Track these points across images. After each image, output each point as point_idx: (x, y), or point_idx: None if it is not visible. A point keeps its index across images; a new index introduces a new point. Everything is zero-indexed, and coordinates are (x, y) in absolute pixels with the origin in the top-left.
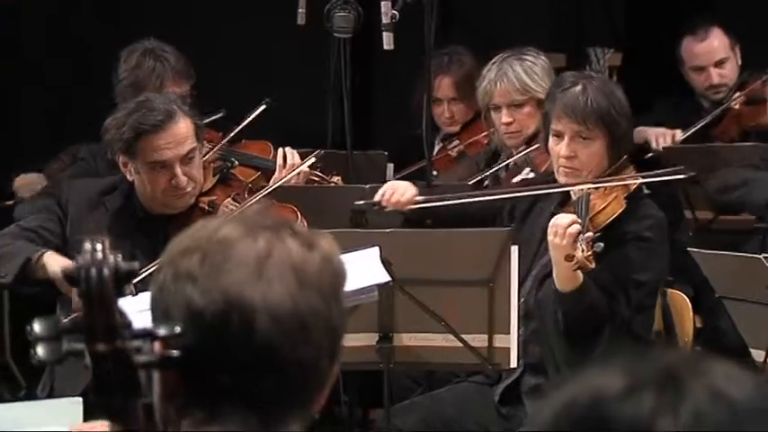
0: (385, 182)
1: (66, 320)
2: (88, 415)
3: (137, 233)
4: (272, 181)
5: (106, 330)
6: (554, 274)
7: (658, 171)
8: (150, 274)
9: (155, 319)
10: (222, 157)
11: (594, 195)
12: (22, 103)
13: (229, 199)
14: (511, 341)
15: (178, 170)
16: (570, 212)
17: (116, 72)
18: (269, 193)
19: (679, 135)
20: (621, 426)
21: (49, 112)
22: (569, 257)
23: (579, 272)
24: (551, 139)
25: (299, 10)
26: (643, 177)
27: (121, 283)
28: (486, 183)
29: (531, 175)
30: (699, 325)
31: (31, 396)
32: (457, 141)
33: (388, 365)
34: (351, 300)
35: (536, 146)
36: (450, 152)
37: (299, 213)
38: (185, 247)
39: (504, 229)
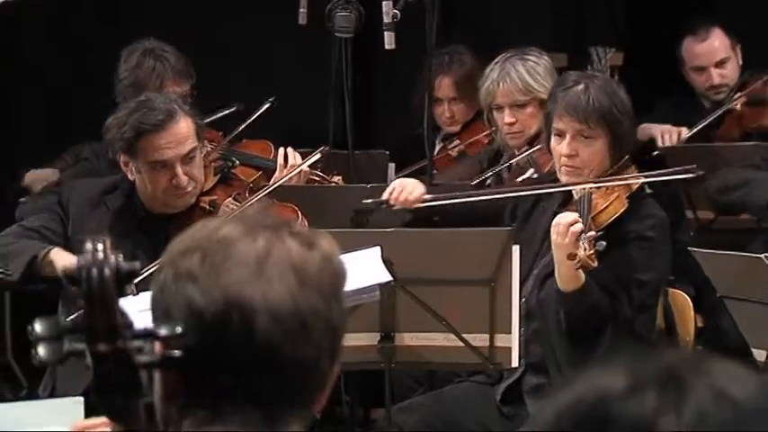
0: (386, 181)
1: (68, 320)
2: (89, 414)
3: (138, 233)
4: (272, 180)
5: (107, 330)
6: (556, 274)
7: (669, 170)
8: (151, 273)
9: (155, 319)
10: (223, 157)
11: (597, 195)
12: (22, 104)
13: (230, 198)
14: (512, 341)
15: (179, 170)
16: (572, 211)
17: (116, 72)
18: (270, 192)
19: (685, 133)
20: (624, 425)
21: (50, 112)
22: (572, 256)
23: (581, 272)
24: (553, 139)
25: (301, 10)
26: (653, 176)
27: (122, 283)
28: (489, 183)
29: (535, 175)
30: (700, 324)
31: (32, 396)
32: (457, 141)
33: (389, 365)
34: (352, 299)
35: (538, 147)
36: (450, 152)
37: (299, 213)
38: (186, 246)
39: (506, 228)
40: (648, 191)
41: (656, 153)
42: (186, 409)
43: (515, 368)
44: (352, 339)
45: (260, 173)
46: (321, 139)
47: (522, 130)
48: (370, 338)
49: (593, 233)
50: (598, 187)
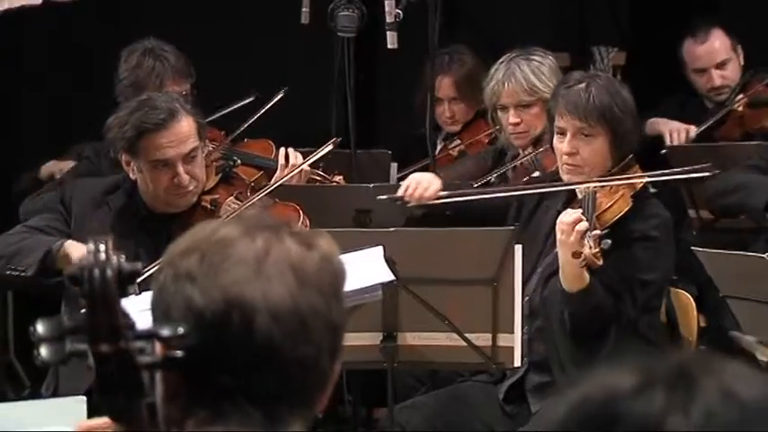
0: (389, 181)
1: (70, 321)
2: (92, 414)
3: (140, 232)
4: (273, 180)
5: (109, 331)
6: (560, 274)
7: (684, 169)
8: (153, 273)
9: (155, 320)
10: (224, 156)
11: (601, 193)
12: (23, 105)
13: (232, 197)
14: (515, 340)
15: (180, 169)
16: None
17: (117, 72)
18: (271, 191)
19: (693, 131)
20: (632, 423)
21: (51, 113)
22: (577, 254)
23: (586, 272)
24: (555, 137)
25: (303, 9)
26: (668, 175)
27: (125, 283)
28: (493, 183)
29: (538, 176)
30: (703, 324)
31: (35, 395)
32: (458, 141)
33: (391, 364)
34: (355, 299)
35: (543, 148)
36: (451, 151)
37: (301, 212)
38: (185, 247)
39: (508, 228)
40: (652, 190)
41: (662, 152)
42: (188, 409)
43: (518, 367)
44: (354, 339)
45: (261, 172)
46: (323, 139)
47: (526, 131)
48: (373, 338)
49: (597, 231)
50: (602, 186)
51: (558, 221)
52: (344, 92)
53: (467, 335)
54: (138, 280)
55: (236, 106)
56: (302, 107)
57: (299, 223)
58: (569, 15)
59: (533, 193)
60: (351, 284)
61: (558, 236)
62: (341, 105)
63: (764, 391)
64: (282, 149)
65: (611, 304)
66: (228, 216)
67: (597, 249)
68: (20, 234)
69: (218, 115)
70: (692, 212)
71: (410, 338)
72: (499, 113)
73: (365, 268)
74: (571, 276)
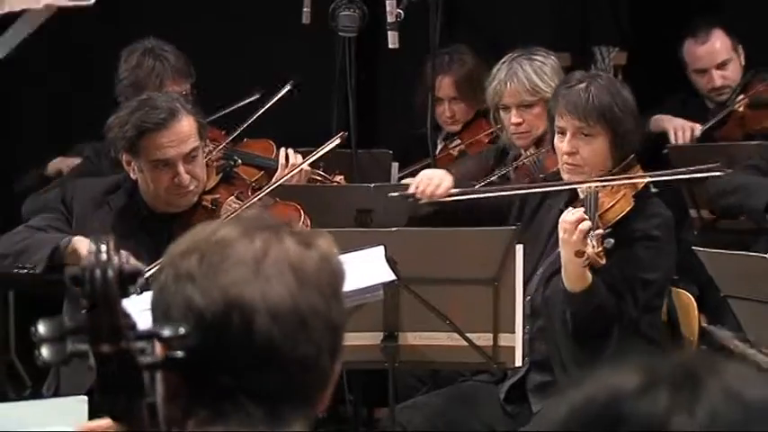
0: (390, 181)
1: (71, 321)
2: (93, 414)
3: (140, 232)
4: (274, 179)
5: (110, 331)
6: (563, 274)
7: (696, 167)
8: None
9: (155, 320)
10: (225, 156)
11: (603, 193)
12: (23, 105)
13: (233, 197)
14: (516, 340)
15: (181, 168)
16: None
17: (117, 72)
18: (272, 191)
19: (698, 129)
20: (636, 423)
21: (51, 113)
22: (580, 254)
23: (588, 272)
24: (556, 137)
25: (304, 9)
26: (680, 174)
27: (126, 284)
28: (495, 182)
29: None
30: (704, 324)
31: (36, 395)
32: (458, 141)
33: (393, 364)
34: (356, 299)
35: (545, 149)
36: (451, 151)
37: (302, 211)
38: (184, 248)
39: (509, 227)
40: (654, 190)
41: (664, 152)
42: (189, 409)
43: (519, 367)
44: (355, 338)
45: (262, 172)
46: (324, 138)
47: (529, 131)
48: (374, 338)
49: (600, 231)
50: (604, 186)
51: (560, 221)
52: (346, 92)
53: (468, 335)
54: (141, 280)
55: (241, 104)
56: (303, 107)
57: (300, 223)
58: (570, 15)
59: (542, 192)
60: (352, 284)
61: (561, 235)
62: (342, 105)
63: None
64: (282, 150)
65: (614, 304)
66: (229, 215)
67: (600, 248)
68: (23, 233)
69: (222, 113)
70: (693, 212)
71: (411, 338)
72: (501, 113)
73: (366, 268)
74: (574, 276)
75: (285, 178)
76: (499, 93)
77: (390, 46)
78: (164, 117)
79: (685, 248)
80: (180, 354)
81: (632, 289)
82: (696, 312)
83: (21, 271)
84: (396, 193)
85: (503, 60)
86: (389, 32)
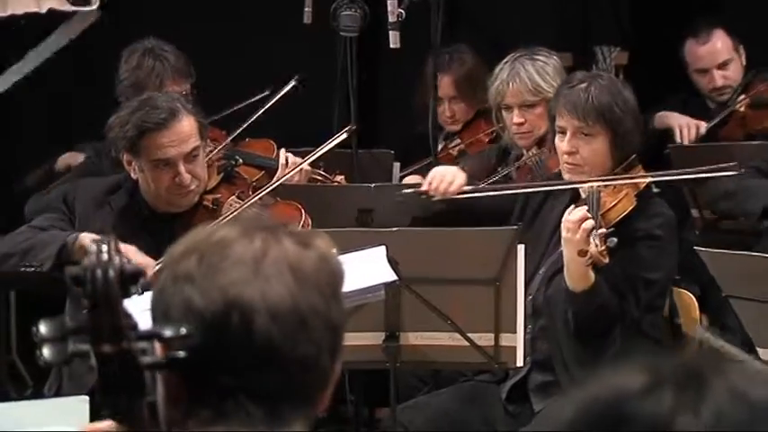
0: (391, 181)
1: (72, 321)
2: (94, 414)
3: (142, 232)
4: (274, 178)
5: (112, 332)
6: (566, 273)
7: (709, 167)
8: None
9: (155, 321)
10: (226, 156)
11: (605, 193)
12: (23, 105)
13: (234, 197)
14: (517, 340)
15: (182, 168)
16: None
17: (117, 72)
18: (273, 190)
19: (703, 127)
20: (641, 423)
21: (52, 114)
22: (583, 253)
23: (591, 272)
24: (557, 137)
25: (306, 9)
26: (693, 173)
27: (127, 284)
28: (498, 182)
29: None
30: (705, 324)
31: (37, 395)
32: (458, 140)
33: (394, 364)
34: (357, 299)
35: (547, 149)
36: (451, 151)
37: (303, 211)
38: (183, 249)
39: (511, 227)
40: (656, 190)
41: (665, 151)
42: (189, 410)
43: (520, 367)
44: (356, 338)
45: (263, 172)
46: (325, 138)
47: (530, 131)
48: (375, 338)
49: (603, 230)
50: (605, 185)
51: (563, 220)
52: (347, 91)
53: (469, 334)
54: (142, 280)
55: (250, 101)
56: (304, 107)
57: (301, 222)
58: (571, 15)
59: (552, 190)
60: (353, 284)
61: (564, 234)
62: (343, 105)
63: None
64: (282, 152)
65: (616, 304)
66: (230, 214)
67: (603, 247)
68: (26, 233)
69: (230, 111)
70: (694, 212)
71: (412, 338)
72: (503, 113)
73: (368, 268)
74: (576, 275)
75: (286, 177)
76: (501, 93)
77: (392, 46)
78: (164, 117)
79: (687, 248)
80: (182, 354)
81: (635, 289)
82: (697, 312)
83: (27, 269)
84: (408, 190)
85: (505, 60)
86: (391, 32)
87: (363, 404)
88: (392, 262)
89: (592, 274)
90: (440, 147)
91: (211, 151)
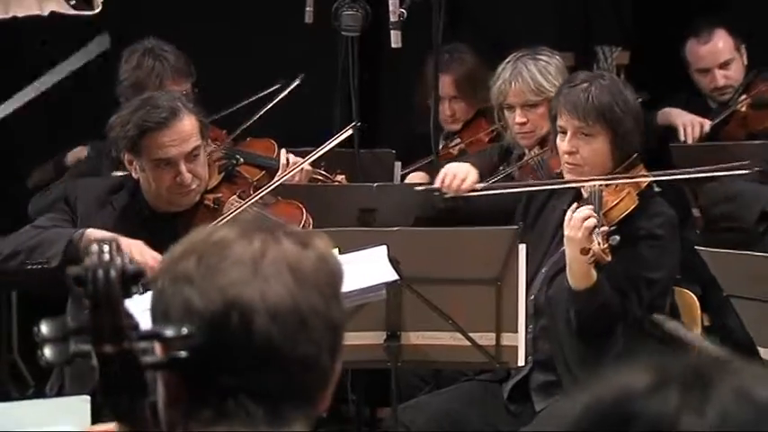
0: (392, 180)
1: (73, 321)
2: (96, 413)
3: (143, 232)
4: (275, 178)
5: (113, 332)
6: (568, 272)
7: (722, 165)
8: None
9: (154, 323)
10: (227, 155)
11: (606, 192)
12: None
13: (235, 196)
14: (518, 340)
15: (183, 167)
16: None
17: (118, 72)
18: (274, 190)
19: (707, 125)
20: (646, 423)
21: (51, 114)
22: (585, 251)
23: (593, 270)
24: (558, 136)
25: (307, 8)
26: (705, 172)
27: (128, 284)
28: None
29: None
30: (706, 323)
31: (39, 394)
32: (458, 139)
33: (395, 364)
34: (358, 298)
35: (549, 149)
36: (451, 150)
37: (304, 210)
38: (182, 251)
39: (512, 227)
40: (657, 189)
41: (670, 146)
42: (190, 411)
43: (522, 366)
44: (358, 338)
45: (264, 172)
46: (327, 138)
47: (533, 130)
48: (377, 337)
49: (605, 228)
50: (607, 185)
51: (566, 218)
52: (348, 91)
53: (470, 334)
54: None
55: (251, 99)
56: (306, 106)
57: (303, 221)
58: (573, 15)
59: (561, 188)
60: (354, 284)
61: (567, 232)
62: (344, 105)
63: None
64: (283, 152)
65: (618, 303)
66: (232, 214)
67: (606, 245)
68: (30, 232)
69: (230, 110)
70: (695, 211)
71: (414, 338)
72: (505, 113)
73: (369, 268)
74: (579, 274)
75: (288, 175)
76: (503, 92)
77: (393, 45)
78: (165, 116)
79: (688, 248)
80: (183, 354)
81: (637, 288)
82: (699, 312)
83: (34, 267)
84: (422, 187)
85: (507, 60)
86: (392, 32)
87: (365, 404)
88: (393, 261)
89: (594, 273)
90: (440, 146)
91: (212, 151)
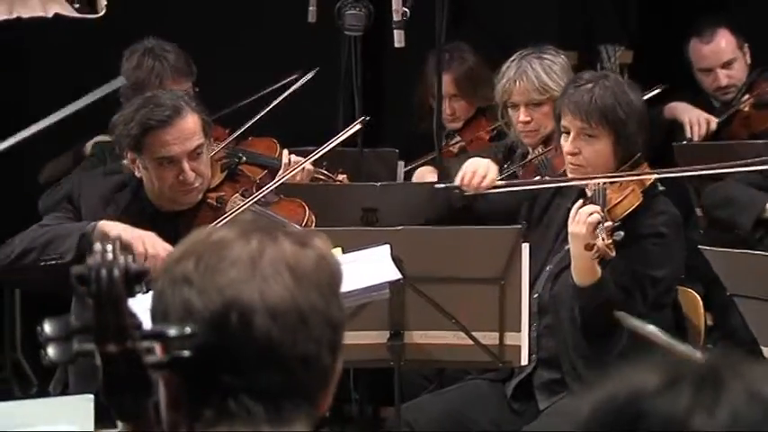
0: (396, 180)
1: (77, 320)
2: (99, 413)
3: (146, 230)
4: (277, 176)
5: (116, 331)
6: (572, 268)
7: (747, 161)
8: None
9: (154, 323)
10: (229, 154)
11: (610, 189)
12: (29, 105)
13: (237, 194)
14: (522, 339)
15: (185, 165)
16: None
17: (119, 72)
18: (277, 189)
19: (714, 122)
20: (656, 422)
21: (51, 112)
22: (589, 246)
23: (597, 267)
24: (562, 137)
25: (310, 8)
26: (725, 168)
27: (132, 283)
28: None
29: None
30: (710, 323)
31: (42, 393)
32: (459, 138)
33: (398, 363)
34: (362, 297)
35: (553, 148)
36: (451, 148)
37: (306, 208)
38: (181, 252)
39: (515, 226)
40: (661, 188)
41: (672, 145)
42: (192, 412)
43: (525, 365)
44: (361, 337)
45: (266, 171)
46: (330, 138)
47: (537, 129)
48: (380, 336)
49: (610, 223)
50: (612, 182)
51: (571, 214)
52: (351, 90)
53: (474, 333)
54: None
55: (278, 85)
56: (309, 106)
57: (305, 219)
58: (576, 13)
59: (577, 185)
60: (358, 283)
61: (571, 228)
62: (348, 104)
63: None
64: (285, 153)
65: (623, 299)
66: (234, 212)
67: (610, 241)
68: (38, 230)
69: (231, 109)
70: (698, 211)
71: (417, 337)
72: (509, 111)
73: (372, 267)
74: (583, 270)
75: (290, 174)
76: (508, 91)
77: (396, 45)
78: (168, 114)
79: (691, 247)
80: (186, 353)
81: (641, 286)
82: (702, 311)
83: (48, 263)
84: (442, 185)
85: (512, 58)
86: (395, 31)
87: (368, 403)
88: (396, 260)
89: (598, 269)
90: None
91: (215, 150)
